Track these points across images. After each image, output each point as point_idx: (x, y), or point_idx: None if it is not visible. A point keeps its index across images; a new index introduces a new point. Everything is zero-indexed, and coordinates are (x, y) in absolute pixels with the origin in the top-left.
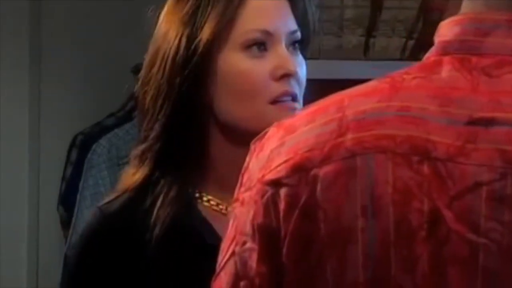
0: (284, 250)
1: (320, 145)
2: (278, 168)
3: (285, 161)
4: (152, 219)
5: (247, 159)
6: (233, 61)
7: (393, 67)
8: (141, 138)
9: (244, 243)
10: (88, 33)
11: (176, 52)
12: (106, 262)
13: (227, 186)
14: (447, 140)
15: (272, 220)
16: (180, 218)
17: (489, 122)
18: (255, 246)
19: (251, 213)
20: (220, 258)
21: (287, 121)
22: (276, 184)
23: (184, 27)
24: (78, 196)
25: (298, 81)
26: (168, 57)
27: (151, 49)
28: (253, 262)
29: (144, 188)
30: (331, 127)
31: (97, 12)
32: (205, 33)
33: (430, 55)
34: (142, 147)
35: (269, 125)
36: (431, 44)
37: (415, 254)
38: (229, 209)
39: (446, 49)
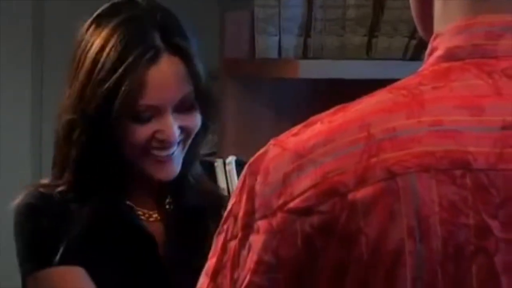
0: (319, 278)
1: (351, 167)
2: (306, 195)
3: (312, 187)
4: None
5: (246, 181)
6: (125, 124)
7: (395, 67)
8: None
9: (265, 272)
10: None
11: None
12: (45, 225)
13: (144, 194)
14: (484, 149)
15: (301, 250)
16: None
17: None
18: (280, 276)
19: (274, 243)
20: None
21: (290, 140)
22: (305, 212)
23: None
24: None
25: (184, 134)
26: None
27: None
28: None
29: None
30: (358, 148)
31: None
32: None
33: (435, 62)
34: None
35: (144, 171)
36: None
37: (462, 270)
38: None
39: (457, 55)
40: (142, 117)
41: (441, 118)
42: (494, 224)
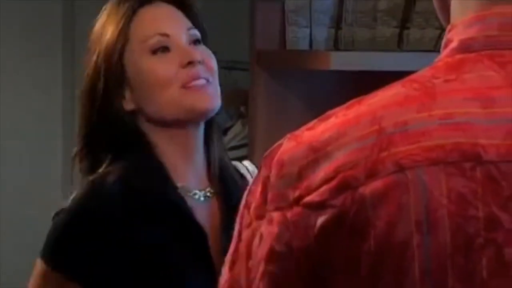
0: (334, 270)
1: (363, 161)
2: (321, 190)
3: (327, 181)
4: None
5: (261, 172)
6: (143, 64)
7: (427, 58)
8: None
9: (277, 261)
10: None
11: (95, 64)
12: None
13: (177, 173)
14: (495, 141)
15: (313, 243)
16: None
17: None
18: (292, 267)
19: (287, 234)
20: (243, 281)
21: (305, 134)
22: (320, 206)
23: (98, 44)
24: None
25: (207, 67)
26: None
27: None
28: (290, 283)
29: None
30: (370, 141)
31: None
32: (105, 45)
33: (449, 54)
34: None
35: (186, 108)
36: None
37: (472, 262)
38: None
39: (470, 47)
40: (160, 52)
41: (452, 111)
42: (504, 217)
